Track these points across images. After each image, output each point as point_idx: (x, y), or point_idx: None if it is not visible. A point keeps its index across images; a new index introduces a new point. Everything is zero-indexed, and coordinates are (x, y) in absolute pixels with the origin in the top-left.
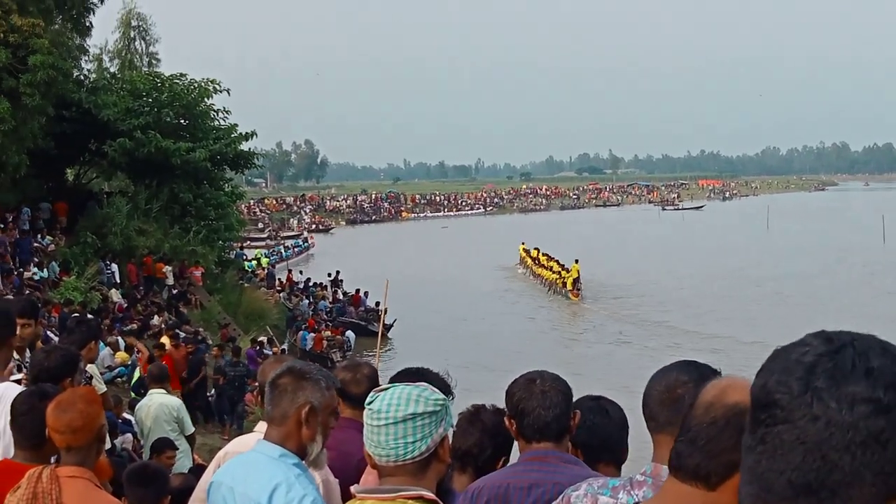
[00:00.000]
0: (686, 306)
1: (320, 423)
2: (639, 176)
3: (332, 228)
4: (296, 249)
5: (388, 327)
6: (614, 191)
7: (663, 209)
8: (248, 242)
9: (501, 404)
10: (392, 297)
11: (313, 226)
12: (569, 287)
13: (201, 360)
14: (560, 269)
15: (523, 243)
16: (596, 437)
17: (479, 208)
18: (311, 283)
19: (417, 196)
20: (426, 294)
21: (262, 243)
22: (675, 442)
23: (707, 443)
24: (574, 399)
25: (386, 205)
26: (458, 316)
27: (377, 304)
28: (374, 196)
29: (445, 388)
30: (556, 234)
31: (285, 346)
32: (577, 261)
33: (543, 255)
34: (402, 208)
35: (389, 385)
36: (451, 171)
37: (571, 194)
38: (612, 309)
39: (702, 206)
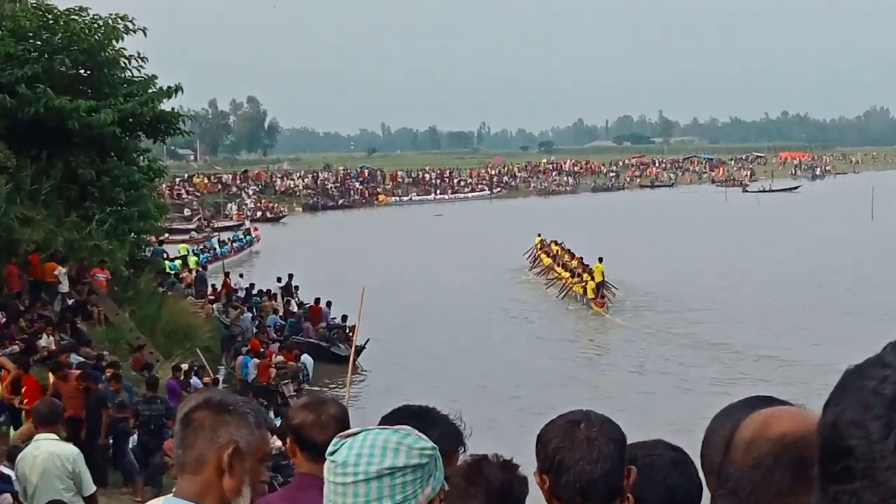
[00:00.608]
0: (760, 322)
1: (248, 471)
2: (698, 146)
3: (285, 216)
4: (235, 245)
5: (359, 350)
6: (665, 166)
7: (744, 190)
8: (171, 235)
9: (509, 454)
10: (367, 309)
11: (259, 213)
12: (590, 294)
13: (101, 398)
14: (582, 271)
15: (540, 235)
16: (675, 502)
17: (482, 190)
18: (255, 291)
19: (400, 173)
20: (412, 306)
21: (190, 236)
22: (712, 498)
23: (752, 491)
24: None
25: (357, 185)
26: (454, 336)
27: (344, 317)
28: (341, 173)
29: (455, 437)
30: (584, 226)
31: (220, 376)
32: (600, 259)
33: (565, 250)
34: (380, 189)
35: (359, 430)
36: (446, 140)
37: (607, 171)
38: (658, 325)
39: (796, 188)
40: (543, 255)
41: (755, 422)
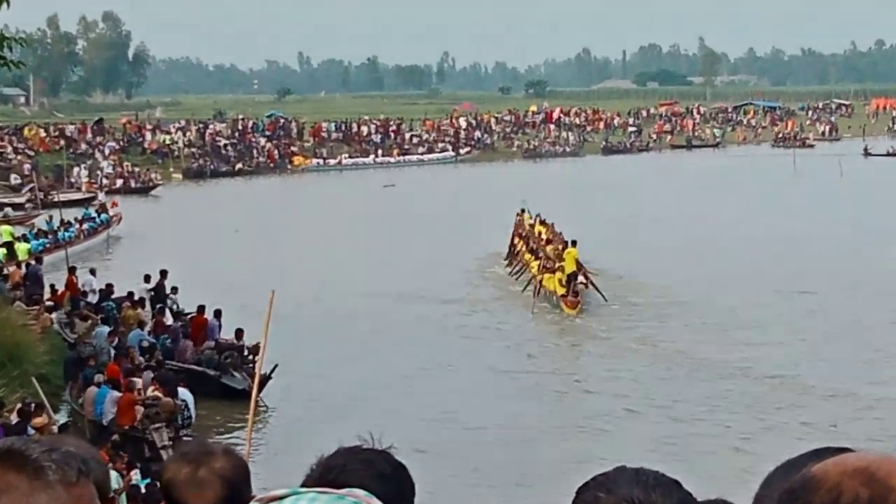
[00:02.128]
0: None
1: None
2: (755, 89)
3: (157, 186)
4: (85, 227)
5: (263, 381)
6: (708, 117)
7: (867, 154)
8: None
9: None
10: (276, 322)
11: (120, 181)
12: (555, 288)
13: None
14: (556, 259)
15: (524, 210)
16: None
17: (444, 150)
18: (113, 295)
19: (325, 125)
20: (339, 318)
21: (19, 214)
22: None
23: None
24: None
25: (263, 141)
26: (394, 361)
27: (239, 333)
28: (239, 123)
29: (406, 497)
30: (587, 206)
31: (62, 416)
32: (573, 243)
33: (550, 232)
34: (296, 149)
35: (286, 493)
36: (392, 78)
37: (625, 124)
38: (654, 335)
39: None
40: (518, 238)
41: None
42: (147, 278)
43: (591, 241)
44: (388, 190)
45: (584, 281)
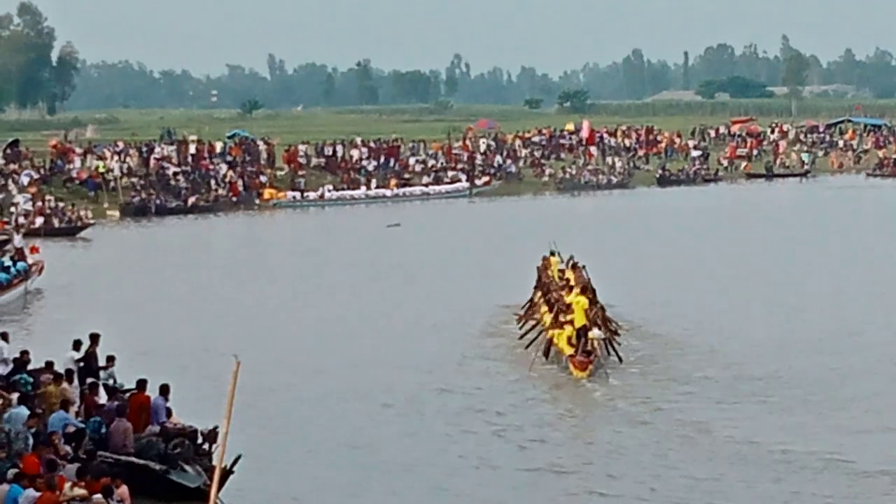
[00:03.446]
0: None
1: None
2: (853, 101)
3: (88, 225)
4: None
5: (225, 476)
6: (794, 138)
7: None
8: None
9: None
10: (241, 399)
11: (40, 220)
12: (561, 346)
13: None
14: (567, 304)
15: (554, 253)
16: None
17: (458, 180)
18: (27, 365)
19: (302, 148)
20: (317, 395)
21: None
22: None
23: None
24: None
25: (224, 168)
26: (381, 450)
27: (167, 412)
28: (192, 146)
29: None
30: (630, 254)
31: None
32: (582, 289)
33: (574, 268)
34: (266, 178)
35: None
36: (390, 88)
37: (685, 147)
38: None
39: None
40: (539, 289)
41: None
42: (76, 345)
43: (632, 298)
44: (387, 232)
45: (604, 336)
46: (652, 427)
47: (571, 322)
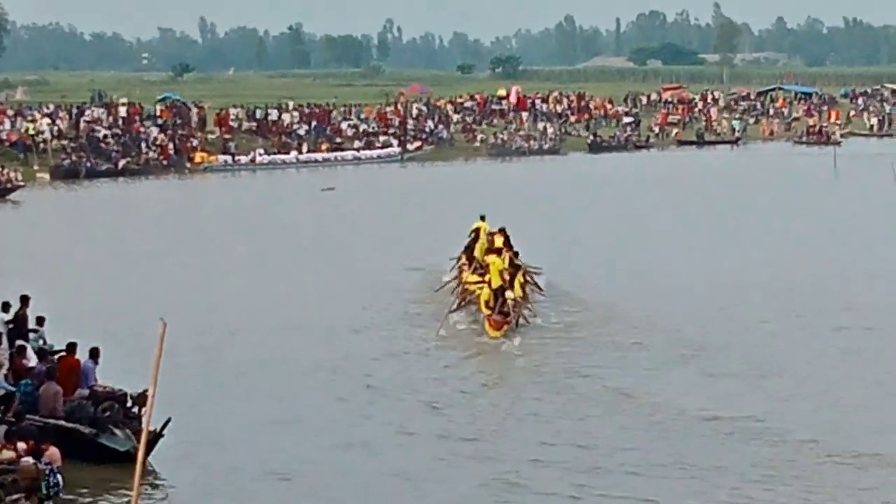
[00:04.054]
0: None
1: None
2: (785, 70)
3: (18, 187)
4: None
5: (153, 439)
6: (724, 105)
7: None
8: None
9: None
10: (168, 363)
11: None
12: (482, 307)
13: None
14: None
15: (483, 218)
16: None
17: (389, 145)
18: None
19: (234, 111)
20: (247, 357)
21: None
22: None
23: None
24: None
25: (155, 132)
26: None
27: (92, 350)
28: (123, 109)
29: None
30: (558, 221)
31: None
32: (497, 251)
33: (504, 234)
34: (197, 142)
35: None
36: (322, 52)
37: (618, 114)
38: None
39: None
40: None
41: None
42: (5, 307)
43: (561, 263)
44: (318, 197)
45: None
46: (569, 391)
47: (489, 283)
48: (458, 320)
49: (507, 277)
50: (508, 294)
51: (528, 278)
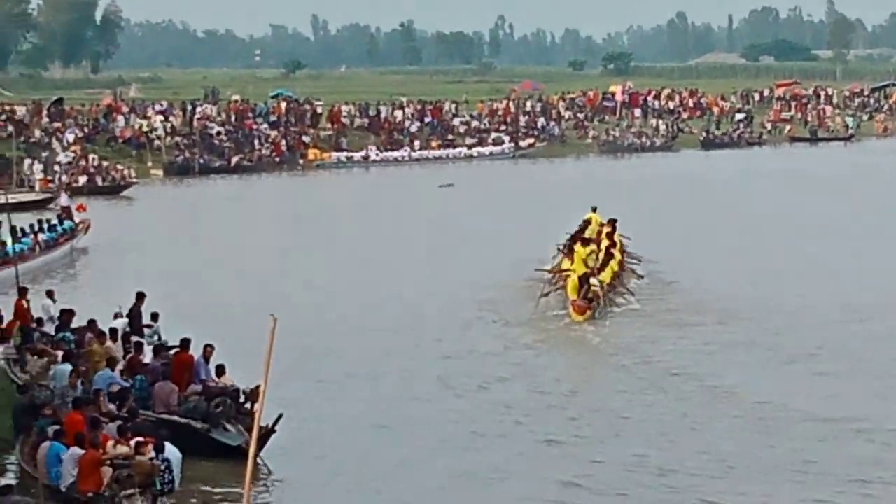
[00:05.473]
0: None
1: None
2: None
3: (131, 184)
4: (42, 238)
5: (265, 435)
6: (839, 102)
7: None
8: None
9: None
10: (279, 359)
11: (84, 178)
12: (570, 293)
13: None
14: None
15: (594, 209)
16: None
17: (501, 142)
18: (72, 323)
19: (345, 108)
20: (360, 353)
21: None
22: None
23: None
24: None
25: (267, 128)
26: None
27: (219, 368)
28: (236, 106)
29: None
30: (671, 216)
31: (10, 478)
32: (583, 241)
33: (612, 226)
34: (310, 138)
35: None
36: (433, 50)
37: (730, 111)
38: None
39: None
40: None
41: None
42: (119, 310)
43: (672, 260)
44: (435, 192)
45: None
46: (647, 378)
47: (574, 270)
48: (553, 305)
49: (592, 265)
50: (592, 281)
51: (626, 267)
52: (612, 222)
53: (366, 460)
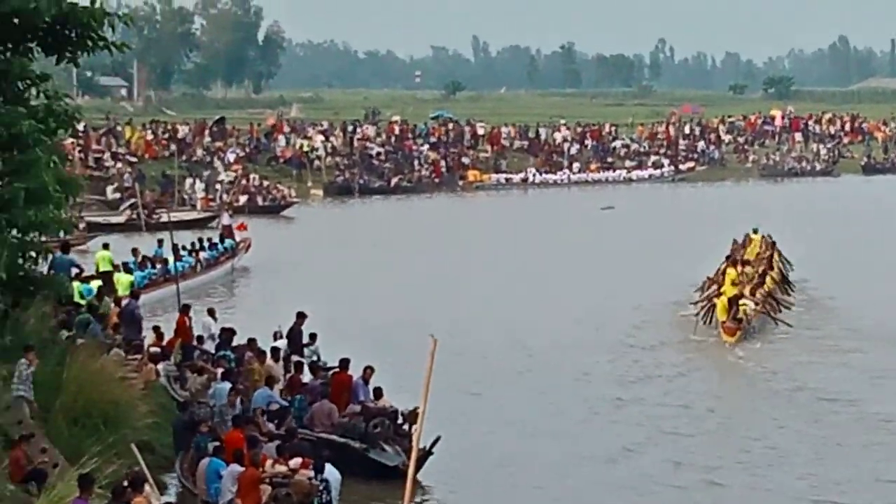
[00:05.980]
0: None
1: None
2: None
3: (291, 204)
4: (204, 256)
5: (423, 457)
6: None
7: None
8: (83, 234)
9: None
10: (439, 379)
11: (245, 198)
12: (720, 314)
13: None
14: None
15: (755, 231)
16: None
17: (660, 166)
18: (232, 342)
19: (505, 130)
20: (521, 376)
21: (117, 236)
22: None
23: None
24: None
25: (426, 150)
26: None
27: (377, 391)
28: (396, 128)
29: None
30: (833, 241)
31: (170, 496)
32: (732, 262)
33: (771, 244)
34: (469, 160)
35: None
36: (593, 72)
37: (887, 135)
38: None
39: None
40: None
41: None
42: (278, 331)
43: (829, 280)
44: (597, 215)
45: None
46: (796, 402)
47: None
48: (706, 328)
49: (741, 289)
50: (742, 303)
51: (780, 291)
52: (772, 245)
53: (524, 484)
